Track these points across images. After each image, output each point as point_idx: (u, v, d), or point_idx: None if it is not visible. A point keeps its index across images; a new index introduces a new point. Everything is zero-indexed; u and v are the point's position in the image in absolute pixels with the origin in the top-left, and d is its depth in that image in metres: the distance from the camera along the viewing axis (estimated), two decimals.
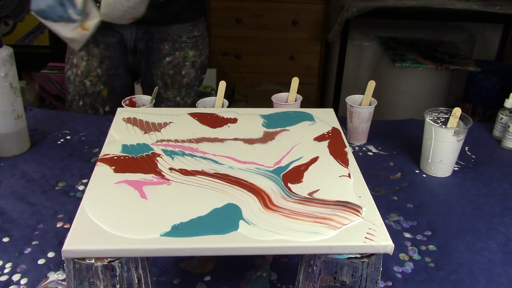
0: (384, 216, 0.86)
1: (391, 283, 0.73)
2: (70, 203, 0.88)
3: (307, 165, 0.70)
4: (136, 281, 0.56)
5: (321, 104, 2.74)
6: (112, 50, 1.32)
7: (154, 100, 1.04)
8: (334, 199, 0.63)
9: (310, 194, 0.64)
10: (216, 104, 1.03)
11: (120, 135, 0.77)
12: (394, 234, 0.82)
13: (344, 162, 0.72)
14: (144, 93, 1.33)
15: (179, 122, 0.82)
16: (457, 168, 1.03)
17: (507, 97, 1.12)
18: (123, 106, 1.02)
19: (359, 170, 0.70)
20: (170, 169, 0.69)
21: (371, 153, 1.08)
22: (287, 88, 1.10)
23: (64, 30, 1.17)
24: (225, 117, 0.84)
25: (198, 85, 1.45)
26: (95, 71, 1.32)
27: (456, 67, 2.10)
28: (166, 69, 1.36)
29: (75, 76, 1.33)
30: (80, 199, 0.77)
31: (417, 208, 0.90)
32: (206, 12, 2.50)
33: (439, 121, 0.99)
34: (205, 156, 0.72)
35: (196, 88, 1.44)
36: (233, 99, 2.64)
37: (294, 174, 0.68)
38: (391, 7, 2.20)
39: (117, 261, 0.54)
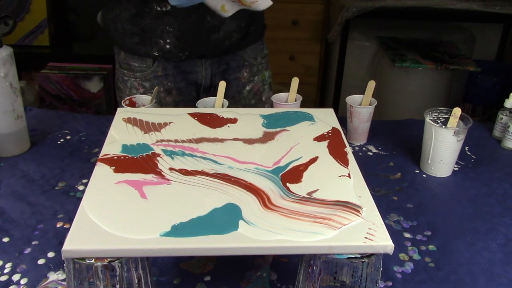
0: (384, 216, 0.86)
1: (391, 283, 0.73)
2: (70, 203, 0.88)
3: (306, 165, 0.70)
4: (136, 281, 0.56)
5: (321, 104, 2.74)
6: (186, 94, 1.21)
7: (154, 100, 1.04)
8: (334, 199, 0.63)
9: (309, 194, 0.64)
10: (216, 104, 1.03)
11: (120, 135, 0.77)
12: (394, 234, 0.82)
13: (344, 162, 0.72)
14: None
15: (179, 122, 0.82)
16: (457, 168, 1.03)
17: (507, 97, 1.11)
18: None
19: (359, 170, 0.70)
20: (170, 169, 0.69)
21: (371, 153, 1.08)
22: (287, 88, 1.10)
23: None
24: (225, 117, 0.84)
25: None
26: None
27: (456, 67, 2.10)
28: (247, 100, 1.25)
29: None
30: (80, 199, 0.77)
31: (417, 208, 0.90)
32: None
33: (439, 121, 0.99)
34: (205, 156, 0.72)
35: None
36: None
37: (293, 174, 0.68)
38: (391, 7, 2.20)
39: (117, 261, 0.54)
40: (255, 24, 1.18)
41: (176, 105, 1.21)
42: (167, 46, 1.10)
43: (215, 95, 1.05)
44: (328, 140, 0.77)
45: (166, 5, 1.03)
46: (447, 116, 0.99)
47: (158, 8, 1.05)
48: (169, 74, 1.16)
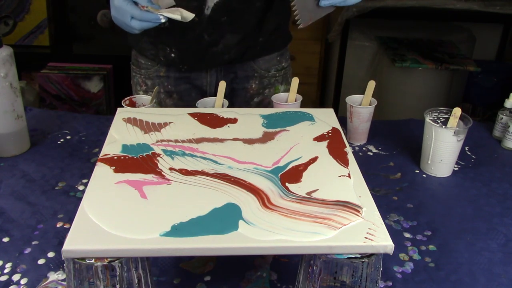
0: (384, 216, 0.86)
1: (391, 283, 0.73)
2: (70, 203, 0.88)
3: (306, 165, 0.70)
4: (136, 281, 0.57)
5: (321, 104, 2.73)
6: (188, 98, 1.19)
7: (154, 100, 1.04)
8: (334, 199, 0.63)
9: (309, 193, 0.64)
10: (216, 104, 1.03)
11: (120, 135, 0.77)
12: (394, 234, 0.82)
13: (344, 162, 0.72)
14: None
15: (179, 122, 0.82)
16: (457, 168, 1.03)
17: (507, 97, 1.12)
18: None
19: (359, 170, 0.70)
20: (170, 169, 0.69)
21: (371, 153, 1.08)
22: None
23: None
24: (225, 117, 0.84)
25: None
26: None
27: (456, 67, 2.10)
28: None
29: None
30: (80, 199, 0.77)
31: (417, 208, 0.90)
32: None
33: (439, 121, 0.99)
34: (205, 156, 0.72)
35: None
36: None
37: (292, 174, 0.68)
38: (391, 7, 2.19)
39: (117, 261, 0.54)
40: (265, 35, 1.14)
41: None
42: (172, 55, 1.12)
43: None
44: (328, 140, 0.77)
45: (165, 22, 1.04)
46: (447, 116, 0.99)
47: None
48: (171, 76, 1.16)
